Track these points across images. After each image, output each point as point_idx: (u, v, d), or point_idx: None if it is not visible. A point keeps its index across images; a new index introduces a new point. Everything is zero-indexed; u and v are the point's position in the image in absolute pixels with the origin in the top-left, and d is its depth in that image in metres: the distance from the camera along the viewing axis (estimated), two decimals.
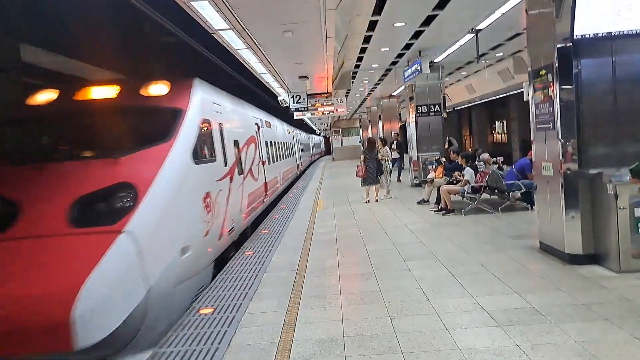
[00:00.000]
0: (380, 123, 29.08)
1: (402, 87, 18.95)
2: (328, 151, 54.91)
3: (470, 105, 30.65)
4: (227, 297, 6.00)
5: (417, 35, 11.82)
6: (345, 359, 4.11)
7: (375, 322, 4.82)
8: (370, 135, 30.19)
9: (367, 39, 11.83)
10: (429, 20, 10.47)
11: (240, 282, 6.57)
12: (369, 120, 34.62)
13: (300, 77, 15.25)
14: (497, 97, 24.26)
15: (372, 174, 13.09)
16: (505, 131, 31.57)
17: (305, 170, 31.93)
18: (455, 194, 10.89)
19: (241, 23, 7.89)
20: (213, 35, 8.50)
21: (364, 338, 4.47)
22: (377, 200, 13.28)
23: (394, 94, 25.28)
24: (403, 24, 10.67)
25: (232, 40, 9.12)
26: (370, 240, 8.61)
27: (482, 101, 27.62)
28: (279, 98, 19.58)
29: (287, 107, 18.78)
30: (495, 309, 4.88)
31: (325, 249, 8.16)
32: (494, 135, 34.52)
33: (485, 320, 4.64)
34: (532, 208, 9.52)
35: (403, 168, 19.56)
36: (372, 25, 10.51)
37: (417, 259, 7.09)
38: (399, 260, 7.12)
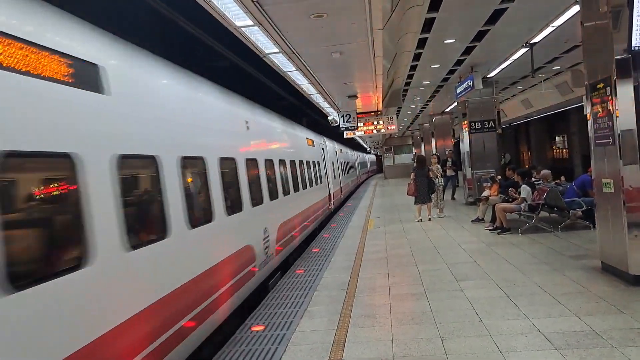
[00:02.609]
0: (433, 140, 28.68)
1: (455, 103, 18.68)
2: (380, 169, 54.62)
3: (527, 120, 29.73)
4: (278, 314, 6.08)
5: (468, 51, 11.67)
6: None
7: (426, 343, 4.73)
8: (422, 153, 29.81)
9: (417, 57, 11.80)
10: (480, 36, 10.32)
11: (291, 300, 6.64)
12: (422, 138, 34.19)
13: (349, 97, 15.36)
14: (556, 111, 23.40)
15: (423, 192, 12.91)
16: (566, 146, 30.38)
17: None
18: (511, 212, 10.55)
19: (290, 46, 8.11)
20: (263, 58, 8.77)
21: (414, 359, 4.40)
22: (429, 219, 13.06)
23: (446, 110, 24.92)
24: (453, 40, 10.58)
25: (282, 63, 9.37)
26: (422, 260, 8.47)
27: (540, 116, 26.73)
28: (329, 118, 19.76)
29: (337, 126, 18.90)
30: (552, 332, 4.67)
31: (375, 269, 8.11)
32: (554, 150, 33.27)
33: (542, 344, 4.44)
34: (593, 227, 9.06)
35: (458, 186, 19.16)
36: (421, 43, 10.48)
37: (470, 279, 6.91)
38: (451, 280, 6.96)
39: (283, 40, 7.69)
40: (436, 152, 24.65)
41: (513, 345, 4.48)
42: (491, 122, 15.36)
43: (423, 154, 28.59)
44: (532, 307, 5.46)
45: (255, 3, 5.95)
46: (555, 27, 9.76)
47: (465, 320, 5.23)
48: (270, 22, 6.71)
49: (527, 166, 29.15)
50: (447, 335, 4.85)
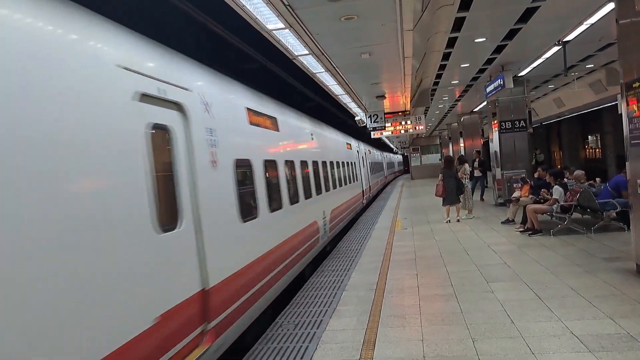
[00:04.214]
0: (461, 140, 28.36)
1: (484, 103, 18.44)
2: (406, 170, 54.27)
3: (559, 119, 29.12)
4: (307, 313, 6.17)
5: (499, 49, 11.51)
6: None
7: (457, 343, 4.74)
8: (450, 153, 29.53)
9: (446, 56, 11.70)
10: (511, 34, 10.17)
11: (320, 300, 6.73)
12: (449, 137, 33.84)
13: (377, 97, 15.35)
14: (590, 110, 22.87)
15: (451, 193, 12.83)
16: (600, 146, 29.64)
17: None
18: (543, 214, 10.39)
19: (320, 48, 8.19)
20: (293, 60, 8.87)
21: (445, 359, 4.42)
22: (458, 220, 12.96)
23: (475, 109, 24.61)
24: (484, 39, 10.45)
25: (311, 65, 9.46)
26: (451, 261, 8.43)
27: (572, 115, 26.15)
28: (357, 118, 19.79)
29: (364, 127, 18.93)
30: (585, 334, 4.62)
31: (404, 269, 8.12)
32: (587, 150, 32.50)
33: (575, 346, 4.41)
34: (628, 228, 8.85)
35: (486, 186, 18.91)
36: (451, 42, 10.40)
37: (501, 281, 6.86)
38: (481, 282, 6.93)
39: (313, 42, 7.77)
40: (464, 152, 24.41)
41: (545, 347, 4.45)
42: (522, 121, 15.10)
43: (451, 154, 28.37)
44: (564, 309, 5.40)
45: (288, 7, 6.04)
46: (589, 25, 9.56)
47: (496, 322, 5.22)
48: (302, 24, 6.80)
49: (559, 166, 28.57)
50: (478, 337, 4.85)
